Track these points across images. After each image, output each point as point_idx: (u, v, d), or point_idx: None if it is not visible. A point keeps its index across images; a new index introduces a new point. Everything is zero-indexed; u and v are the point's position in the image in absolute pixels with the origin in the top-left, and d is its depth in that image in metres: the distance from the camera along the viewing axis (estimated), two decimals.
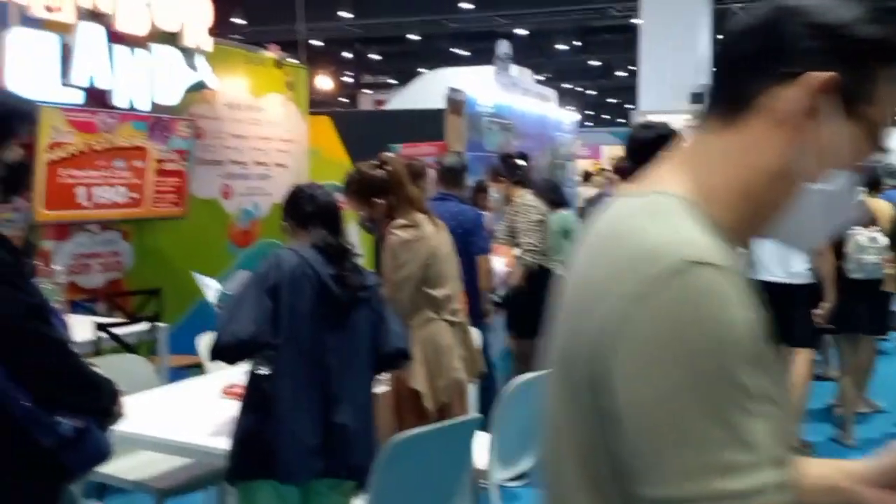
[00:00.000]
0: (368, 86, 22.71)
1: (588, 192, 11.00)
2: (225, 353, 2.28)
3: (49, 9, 4.24)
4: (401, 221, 3.18)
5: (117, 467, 2.75)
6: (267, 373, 2.31)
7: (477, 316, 4.03)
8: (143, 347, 4.13)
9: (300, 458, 2.27)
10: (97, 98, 4.60)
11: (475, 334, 3.53)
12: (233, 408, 2.47)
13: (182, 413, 2.87)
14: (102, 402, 1.87)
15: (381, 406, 2.60)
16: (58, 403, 1.76)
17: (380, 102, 11.87)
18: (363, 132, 7.07)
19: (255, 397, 2.33)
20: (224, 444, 2.35)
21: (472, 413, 3.23)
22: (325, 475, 2.33)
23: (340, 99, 22.77)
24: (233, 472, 2.31)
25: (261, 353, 2.30)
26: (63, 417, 1.75)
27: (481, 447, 2.77)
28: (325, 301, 2.36)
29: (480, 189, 5.86)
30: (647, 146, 2.82)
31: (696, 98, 11.11)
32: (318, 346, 2.34)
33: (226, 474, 2.33)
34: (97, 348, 3.82)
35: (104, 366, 3.29)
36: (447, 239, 3.36)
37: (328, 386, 2.34)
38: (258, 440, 2.26)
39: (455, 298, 3.31)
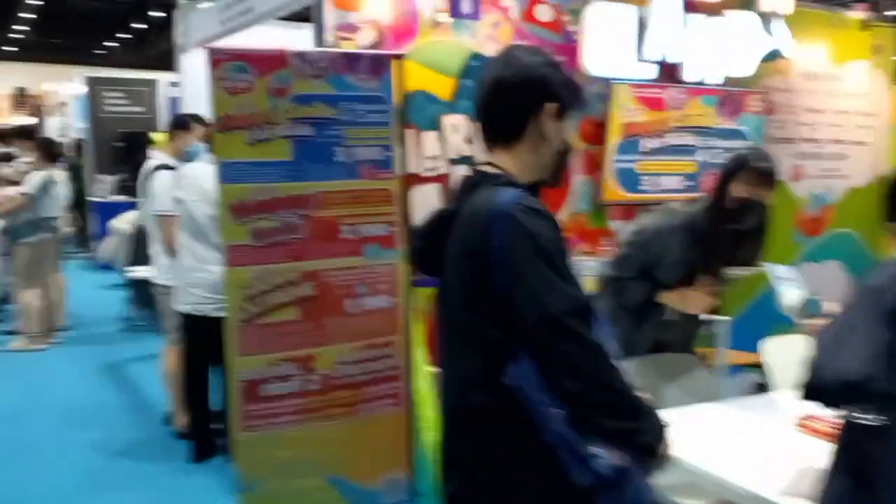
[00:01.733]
0: None
1: None
2: (824, 394, 1.71)
3: None
4: None
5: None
6: (874, 424, 1.75)
7: None
8: (700, 340, 3.85)
9: None
10: (667, 72, 4.37)
11: None
12: (811, 450, 1.94)
13: (741, 441, 2.43)
14: (644, 436, 1.50)
15: None
16: (588, 425, 1.45)
17: None
18: None
19: (854, 457, 1.76)
20: None
21: None
22: None
23: None
24: None
25: (871, 401, 1.74)
26: (600, 450, 1.44)
27: None
28: None
29: None
30: None
31: None
32: None
33: None
34: None
35: (648, 363, 3.08)
36: None
37: None
38: None
39: None
